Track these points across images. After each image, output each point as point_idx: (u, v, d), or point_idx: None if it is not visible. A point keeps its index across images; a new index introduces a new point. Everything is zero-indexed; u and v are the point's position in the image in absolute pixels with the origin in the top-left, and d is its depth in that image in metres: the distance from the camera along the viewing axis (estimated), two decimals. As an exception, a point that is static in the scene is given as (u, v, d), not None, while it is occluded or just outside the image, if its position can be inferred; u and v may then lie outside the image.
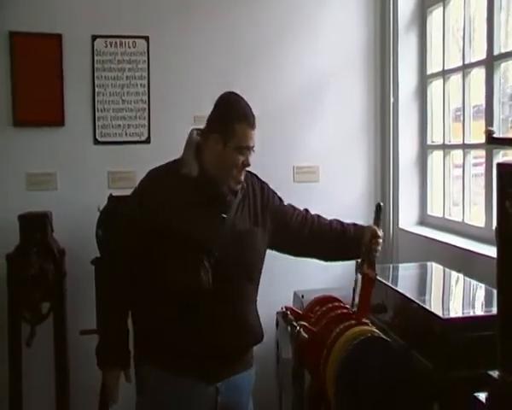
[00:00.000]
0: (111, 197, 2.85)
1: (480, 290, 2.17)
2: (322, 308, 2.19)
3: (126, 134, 3.16)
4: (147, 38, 3.14)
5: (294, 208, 2.11)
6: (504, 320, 1.29)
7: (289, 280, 3.03)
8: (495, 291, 1.57)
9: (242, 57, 3.25)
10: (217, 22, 3.21)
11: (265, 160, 3.26)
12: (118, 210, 2.11)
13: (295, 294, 2.96)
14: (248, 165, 1.86)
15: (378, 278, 2.39)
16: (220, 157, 1.83)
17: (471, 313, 1.95)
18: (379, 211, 2.12)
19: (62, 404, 2.85)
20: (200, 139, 1.90)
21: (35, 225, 2.74)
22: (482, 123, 2.61)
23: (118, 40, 3.11)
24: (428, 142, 3.23)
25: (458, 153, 2.90)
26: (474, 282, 2.22)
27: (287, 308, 2.26)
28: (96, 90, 3.11)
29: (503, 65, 2.49)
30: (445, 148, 3.04)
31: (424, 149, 3.25)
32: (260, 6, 3.27)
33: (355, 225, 2.11)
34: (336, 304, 2.17)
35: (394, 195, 3.31)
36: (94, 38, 3.09)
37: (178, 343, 1.79)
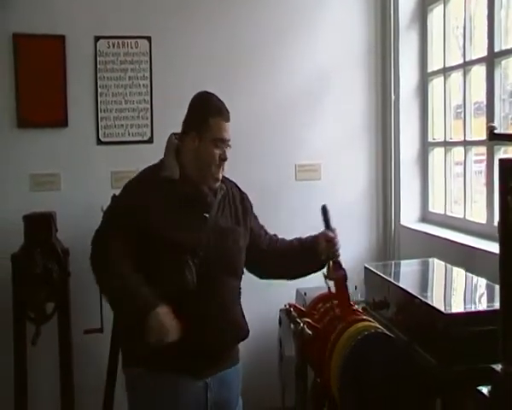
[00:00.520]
0: (114, 197, 2.86)
1: (481, 286, 2.18)
2: (325, 305, 2.21)
3: (129, 134, 3.18)
4: (149, 39, 3.16)
5: (262, 226, 2.17)
6: (507, 314, 1.31)
7: (292, 278, 3.03)
8: (497, 286, 1.59)
9: (243, 56, 3.26)
10: (218, 22, 3.23)
11: (267, 158, 3.30)
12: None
13: (298, 291, 2.98)
14: (225, 159, 1.89)
15: (380, 274, 2.42)
16: (198, 153, 1.87)
17: (473, 309, 1.96)
18: (326, 213, 2.12)
19: (67, 402, 2.86)
20: (179, 142, 1.94)
21: (39, 226, 2.76)
22: (483, 120, 2.62)
23: (120, 41, 3.13)
24: (429, 139, 3.24)
25: (459, 150, 2.91)
26: (475, 277, 2.23)
27: (290, 305, 2.29)
28: (99, 90, 3.12)
29: (503, 62, 2.50)
30: (446, 145, 3.05)
31: (425, 147, 3.26)
32: (261, 5, 3.28)
33: (312, 236, 2.14)
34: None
35: (396, 192, 3.33)
36: (96, 38, 3.11)
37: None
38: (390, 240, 3.37)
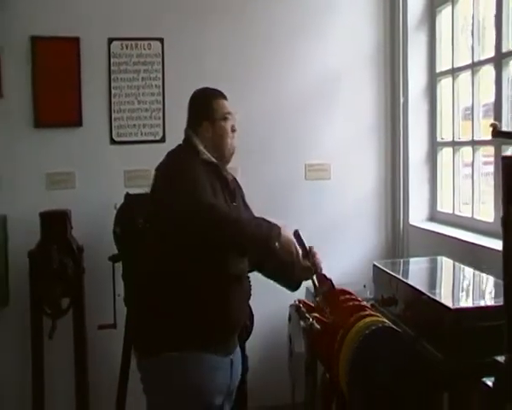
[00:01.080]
0: (127, 196, 2.93)
1: (489, 283, 2.21)
2: (334, 301, 2.25)
3: (142, 134, 3.24)
4: (161, 40, 3.22)
5: None
6: (510, 305, 1.34)
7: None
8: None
9: (255, 57, 3.31)
10: (230, 24, 3.28)
11: (277, 157, 3.35)
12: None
13: (307, 289, 3.00)
14: (235, 130, 2.07)
15: (388, 271, 2.45)
16: (214, 135, 2.02)
17: (481, 304, 1.99)
18: (299, 237, 2.01)
19: (82, 395, 2.93)
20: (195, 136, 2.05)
21: (55, 223, 2.83)
22: (491, 121, 2.64)
23: (133, 42, 3.19)
24: (438, 139, 3.27)
25: (468, 151, 2.93)
26: (483, 275, 2.26)
27: (299, 301, 2.33)
28: (113, 91, 3.19)
29: (511, 62, 2.52)
30: (455, 145, 3.07)
31: (434, 147, 3.29)
32: (273, 8, 3.32)
33: None
34: (348, 296, 2.22)
35: (405, 191, 3.35)
36: (110, 40, 3.17)
37: (214, 320, 1.85)
38: (399, 239, 3.40)
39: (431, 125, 3.30)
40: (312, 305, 2.32)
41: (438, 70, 3.23)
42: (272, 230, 1.75)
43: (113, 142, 3.21)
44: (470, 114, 2.88)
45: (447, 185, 3.19)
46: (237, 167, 2.76)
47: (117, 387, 2.94)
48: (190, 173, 1.86)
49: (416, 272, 2.59)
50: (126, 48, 3.19)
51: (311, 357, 2.30)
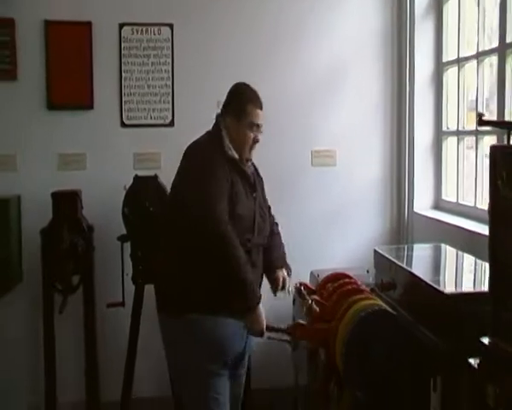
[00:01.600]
0: (136, 178, 3.00)
1: (487, 270, 2.23)
2: (333, 284, 2.32)
3: (151, 117, 3.30)
4: (171, 26, 3.26)
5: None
6: (495, 289, 1.39)
7: (307, 260, 3.11)
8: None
9: (263, 44, 3.33)
10: (238, 10, 3.31)
11: (284, 144, 3.39)
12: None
13: (311, 273, 3.06)
14: (258, 141, 2.19)
15: (388, 257, 2.49)
16: (236, 134, 2.15)
17: (476, 289, 2.03)
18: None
19: (91, 368, 3.04)
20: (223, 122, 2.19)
21: (66, 202, 2.91)
22: (495, 111, 2.65)
23: (144, 28, 3.24)
24: (443, 128, 3.29)
25: (473, 140, 2.95)
26: (483, 262, 2.29)
27: (301, 284, 2.40)
28: (123, 75, 3.25)
29: (515, 53, 2.53)
30: (459, 134, 3.10)
31: (439, 136, 3.31)
32: (280, -2, 3.34)
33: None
34: (347, 280, 2.29)
35: (410, 179, 3.38)
36: (121, 25, 3.22)
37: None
38: (403, 226, 3.43)
39: (437, 114, 3.31)
40: (313, 288, 2.39)
41: (444, 59, 3.24)
42: (253, 300, 2.02)
43: (123, 125, 3.28)
44: (475, 103, 2.89)
45: (452, 174, 3.22)
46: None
47: (125, 362, 3.04)
48: (211, 175, 2.04)
49: (416, 259, 2.64)
50: (137, 33, 3.24)
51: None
